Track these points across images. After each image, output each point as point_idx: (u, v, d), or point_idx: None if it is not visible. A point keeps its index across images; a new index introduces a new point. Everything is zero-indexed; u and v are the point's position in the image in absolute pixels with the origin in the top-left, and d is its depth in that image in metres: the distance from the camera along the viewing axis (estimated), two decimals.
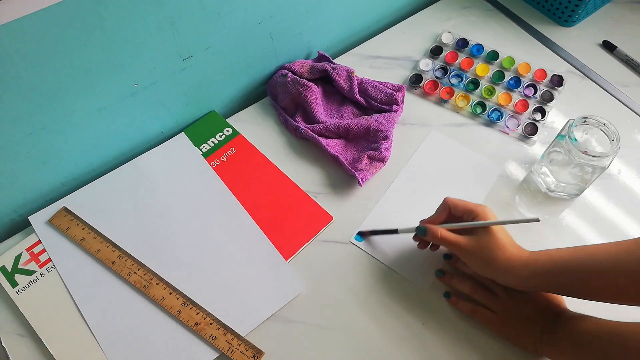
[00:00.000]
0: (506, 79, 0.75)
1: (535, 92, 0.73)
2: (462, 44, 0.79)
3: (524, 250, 0.51)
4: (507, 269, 0.49)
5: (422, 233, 0.54)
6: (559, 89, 0.73)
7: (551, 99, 0.72)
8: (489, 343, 0.54)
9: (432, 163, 0.68)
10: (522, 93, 0.73)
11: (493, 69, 0.76)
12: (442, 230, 0.53)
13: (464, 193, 0.65)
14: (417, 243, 0.58)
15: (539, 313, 0.52)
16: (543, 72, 0.74)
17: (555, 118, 0.72)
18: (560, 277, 0.48)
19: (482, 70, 0.76)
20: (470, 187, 0.65)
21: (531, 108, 0.71)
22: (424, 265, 0.59)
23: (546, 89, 0.73)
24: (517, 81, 0.74)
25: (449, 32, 0.80)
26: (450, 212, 0.54)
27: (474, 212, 0.52)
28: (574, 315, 0.50)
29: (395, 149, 0.68)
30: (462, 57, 0.78)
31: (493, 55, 0.77)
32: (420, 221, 0.57)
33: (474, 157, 0.68)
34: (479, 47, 0.78)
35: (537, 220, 0.48)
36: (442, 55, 0.78)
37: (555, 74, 0.74)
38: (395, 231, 0.59)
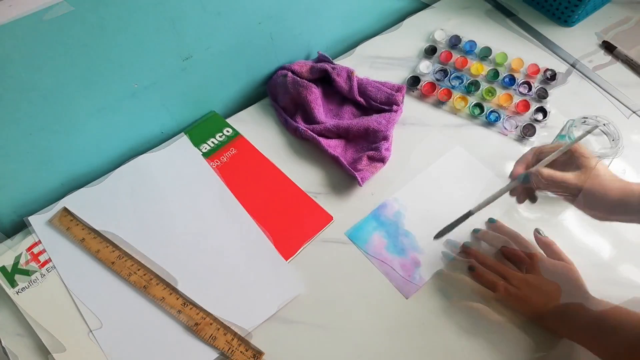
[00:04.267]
0: (501, 76, 0.75)
1: (529, 90, 0.73)
2: (455, 40, 0.79)
3: (622, 180, 0.49)
4: (621, 200, 0.47)
5: (525, 180, 0.52)
6: (552, 83, 0.73)
7: (545, 95, 0.72)
8: (489, 343, 0.54)
9: (432, 163, 0.68)
10: (517, 91, 0.74)
11: (488, 66, 0.76)
12: (546, 170, 0.50)
13: (463, 193, 0.65)
14: (515, 197, 0.55)
15: (562, 292, 0.51)
16: (536, 67, 0.75)
17: (554, 118, 0.72)
18: None
19: (477, 69, 0.76)
20: (470, 187, 0.65)
21: (533, 108, 0.71)
22: (424, 265, 0.59)
23: (540, 85, 0.74)
24: (511, 79, 0.74)
25: (442, 30, 0.80)
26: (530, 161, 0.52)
27: (576, 152, 0.50)
28: (600, 302, 0.49)
29: (395, 149, 0.68)
30: (456, 56, 0.78)
31: (486, 52, 0.77)
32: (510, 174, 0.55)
33: (474, 156, 0.68)
34: (472, 44, 0.78)
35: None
36: (436, 54, 0.78)
37: (548, 69, 0.74)
38: (469, 213, 0.55)
